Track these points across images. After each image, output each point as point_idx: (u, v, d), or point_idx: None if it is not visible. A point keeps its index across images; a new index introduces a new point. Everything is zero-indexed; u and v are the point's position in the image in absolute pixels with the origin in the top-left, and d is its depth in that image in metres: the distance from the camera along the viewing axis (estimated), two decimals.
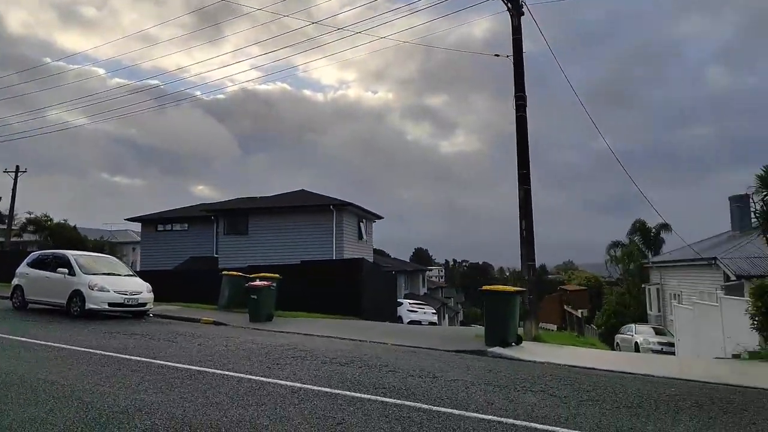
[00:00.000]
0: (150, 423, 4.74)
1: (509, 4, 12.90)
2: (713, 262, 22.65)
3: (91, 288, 13.45)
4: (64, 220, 42.94)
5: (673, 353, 20.99)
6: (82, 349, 8.63)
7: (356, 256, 28.05)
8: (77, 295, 13.55)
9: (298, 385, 6.46)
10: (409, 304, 27.63)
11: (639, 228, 41.02)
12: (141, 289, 14.33)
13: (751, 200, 19.94)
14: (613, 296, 38.87)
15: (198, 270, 26.66)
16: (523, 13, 12.95)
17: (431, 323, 26.36)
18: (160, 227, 34.03)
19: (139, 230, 37.47)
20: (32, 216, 40.05)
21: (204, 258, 31.50)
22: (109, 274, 14.40)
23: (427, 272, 64.14)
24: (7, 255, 31.99)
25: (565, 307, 24.52)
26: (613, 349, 25.43)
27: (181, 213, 34.71)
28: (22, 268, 15.62)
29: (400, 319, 24.70)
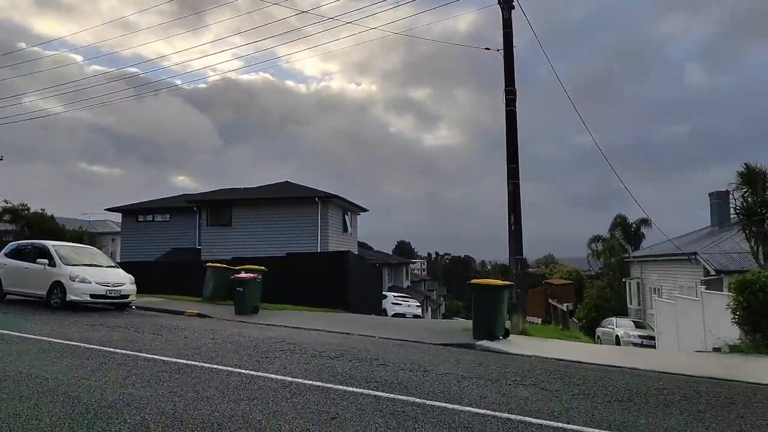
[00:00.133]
0: (140, 418, 4.63)
1: None
2: (693, 257, 23.05)
3: (73, 279, 13.17)
4: (41, 209, 41.99)
5: (653, 346, 21.34)
6: (65, 341, 8.43)
7: (341, 249, 27.96)
8: (58, 287, 13.27)
9: (289, 379, 6.38)
10: (394, 296, 27.69)
11: (620, 223, 41.59)
12: (124, 280, 14.08)
13: (731, 197, 20.32)
14: (594, 290, 39.39)
15: (181, 261, 26.35)
16: (513, 7, 12.92)
17: (415, 316, 26.44)
18: (141, 218, 33.54)
19: (119, 221, 36.88)
20: (9, 205, 39.03)
21: (186, 249, 31.14)
22: (90, 265, 14.12)
23: (410, 265, 64.30)
24: None
25: (550, 300, 24.77)
26: (594, 343, 25.76)
27: (162, 203, 34.25)
28: (0, 259, 15.23)
29: (384, 312, 24.73)
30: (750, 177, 19.34)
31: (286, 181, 33.21)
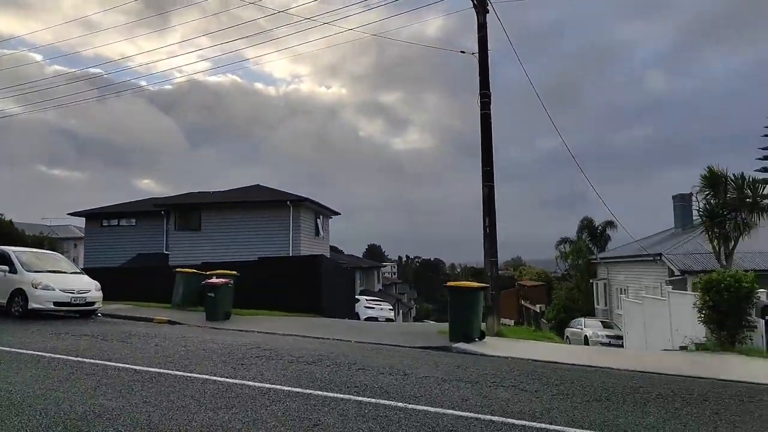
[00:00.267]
0: (113, 430, 4.45)
1: (475, 1, 12.94)
2: (659, 258, 23.65)
3: (35, 286, 12.67)
4: None
5: (620, 346, 21.79)
6: (29, 351, 8.07)
7: (313, 253, 27.72)
8: (19, 294, 12.74)
9: (267, 385, 6.24)
10: (366, 300, 27.58)
11: (586, 225, 42.44)
12: (89, 287, 13.61)
13: (695, 199, 20.95)
14: (563, 291, 40.08)
15: (148, 267, 25.69)
16: (488, 11, 13.03)
17: (388, 319, 26.39)
18: (106, 222, 32.56)
19: (83, 225, 35.72)
20: None
21: (153, 255, 30.37)
22: (53, 271, 13.60)
23: (381, 268, 64.29)
24: None
25: (522, 302, 25.10)
26: (564, 343, 26.16)
27: (128, 207, 33.34)
28: None
29: (357, 316, 24.60)
30: (712, 180, 19.99)
31: (257, 185, 32.75)
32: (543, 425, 5.02)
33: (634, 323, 20.14)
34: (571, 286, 40.65)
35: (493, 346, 10.35)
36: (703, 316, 11.97)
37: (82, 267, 22.20)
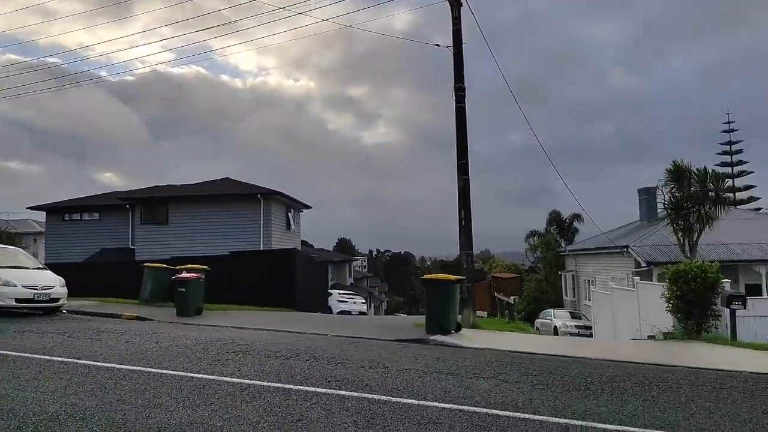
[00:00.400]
0: (87, 430, 4.27)
1: None
2: (625, 250, 24.23)
3: None
4: None
5: (589, 336, 22.27)
6: None
7: (284, 247, 27.43)
8: None
9: (246, 381, 6.10)
10: (339, 294, 27.49)
11: (555, 218, 43.24)
12: (53, 283, 13.12)
13: (660, 192, 21.51)
14: (532, 283, 40.75)
15: (113, 262, 24.98)
16: (461, 4, 13.02)
17: (361, 313, 26.36)
18: (68, 216, 31.54)
19: (42, 220, 34.54)
20: None
21: (118, 249, 29.58)
22: (15, 267, 13.05)
23: (353, 262, 64.19)
24: None
25: (496, 294, 25.46)
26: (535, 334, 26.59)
27: (91, 201, 32.37)
28: None
29: (330, 310, 24.47)
30: (677, 174, 20.57)
31: (226, 178, 32.19)
32: (527, 416, 5.04)
33: (603, 314, 20.59)
34: (540, 278, 41.37)
35: (469, 338, 10.40)
36: (671, 305, 12.29)
37: (43, 262, 21.45)
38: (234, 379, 6.19)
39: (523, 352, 9.25)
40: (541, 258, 42.49)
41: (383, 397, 5.52)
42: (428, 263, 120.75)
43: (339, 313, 24.39)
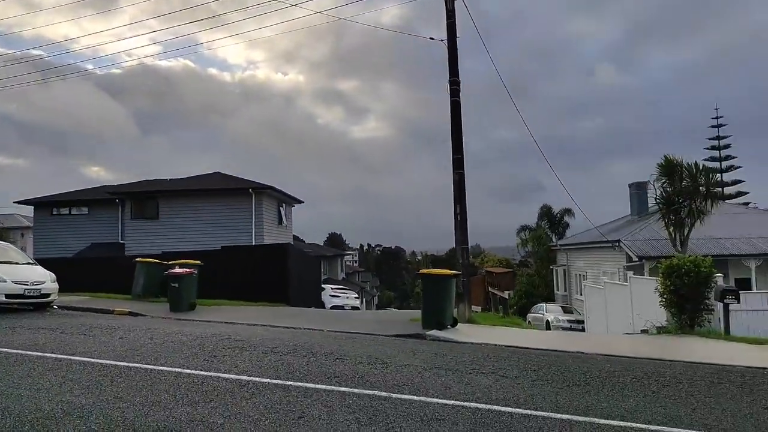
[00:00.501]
0: (85, 428, 4.19)
1: None
2: (617, 244, 24.35)
3: None
4: None
5: (581, 330, 22.39)
6: None
7: (276, 241, 27.29)
8: None
9: (245, 378, 6.03)
10: (332, 289, 27.41)
11: (546, 213, 43.39)
12: (43, 278, 12.93)
13: (652, 186, 21.61)
14: (524, 277, 40.90)
15: (103, 257, 24.72)
16: None
17: (354, 308, 26.31)
18: (56, 211, 31.14)
19: (30, 214, 34.06)
20: None
21: (108, 244, 29.29)
22: (4, 262, 12.85)
23: (344, 257, 64.09)
24: None
25: (490, 288, 25.53)
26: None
27: (80, 195, 31.98)
28: None
29: (322, 305, 24.40)
30: (669, 168, 20.67)
31: (217, 172, 31.95)
32: (529, 411, 5.03)
33: (596, 308, 20.69)
34: (531, 273, 41.54)
35: (466, 333, 10.39)
36: (664, 300, 12.36)
37: (32, 257, 21.15)
38: (232, 376, 6.12)
39: (519, 347, 9.25)
40: (532, 252, 42.65)
41: (384, 394, 5.48)
42: (419, 258, 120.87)
43: (332, 308, 24.32)
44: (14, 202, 32.69)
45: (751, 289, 20.24)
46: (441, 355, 8.05)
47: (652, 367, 7.64)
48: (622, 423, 4.75)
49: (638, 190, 29.67)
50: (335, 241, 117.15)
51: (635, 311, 15.37)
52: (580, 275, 30.66)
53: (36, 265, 13.94)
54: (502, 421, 4.71)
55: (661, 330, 12.74)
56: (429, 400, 5.32)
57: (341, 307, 24.78)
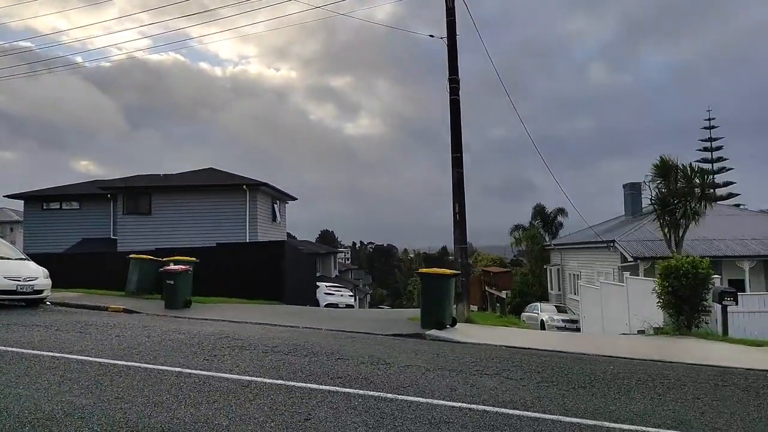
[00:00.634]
0: (87, 430, 4.10)
1: None
2: (612, 244, 24.40)
3: None
4: None
5: (575, 330, 22.44)
6: None
7: (270, 239, 27.12)
8: None
9: (247, 378, 5.94)
10: (326, 286, 27.25)
11: (539, 212, 43.52)
12: (36, 274, 12.72)
13: (648, 187, 21.67)
14: (518, 276, 40.98)
15: (95, 253, 24.40)
16: None
17: (348, 306, 26.19)
18: (46, 205, 30.78)
19: (19, 208, 33.63)
20: None
21: (99, 240, 28.99)
22: None
23: (337, 254, 63.92)
24: None
25: (487, 288, 25.48)
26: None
27: (71, 190, 31.63)
28: None
29: (317, 303, 24.27)
30: (664, 169, 20.75)
31: (211, 168, 31.67)
32: (537, 414, 4.97)
33: (591, 308, 20.73)
34: (525, 272, 41.63)
35: (466, 333, 10.33)
36: (662, 301, 12.37)
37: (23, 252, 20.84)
38: (234, 376, 6.02)
39: (520, 348, 9.20)
40: (526, 251, 42.75)
41: (389, 395, 5.41)
42: (411, 256, 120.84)
43: (326, 305, 24.18)
44: (4, 196, 32.27)
45: (744, 291, 20.37)
46: (443, 355, 7.98)
47: (655, 368, 7.62)
48: (632, 427, 4.71)
49: (632, 190, 29.76)
50: (327, 238, 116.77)
51: (632, 312, 15.40)
52: (574, 275, 30.74)
53: (29, 260, 13.73)
54: (512, 424, 4.65)
55: (658, 331, 12.76)
56: (435, 402, 5.26)
57: (336, 305, 24.65)
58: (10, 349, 7.09)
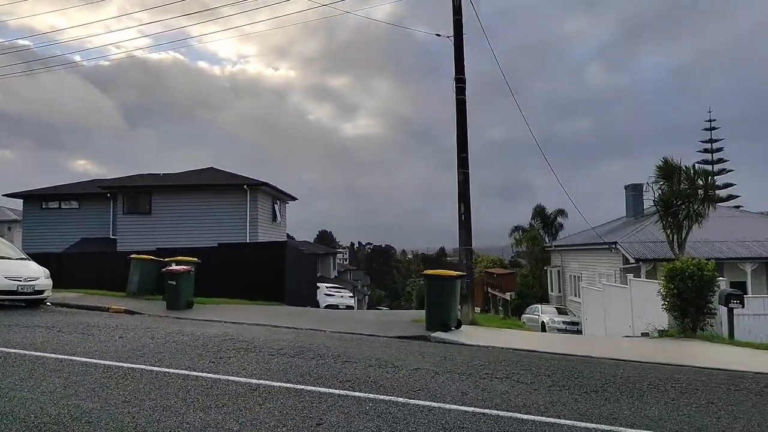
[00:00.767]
0: None
1: None
2: (614, 246, 24.34)
3: None
4: None
5: (576, 332, 22.38)
6: None
7: (270, 239, 27.03)
8: None
9: (254, 381, 5.85)
10: (326, 287, 27.17)
11: (539, 213, 43.45)
12: (37, 274, 12.62)
13: (651, 189, 21.58)
14: (518, 278, 40.92)
15: (95, 253, 24.30)
16: None
17: (348, 307, 26.12)
18: (45, 204, 30.64)
19: (18, 207, 33.48)
20: None
21: (99, 239, 28.86)
22: None
23: (336, 255, 63.79)
24: None
25: (489, 290, 25.39)
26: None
27: (70, 189, 31.53)
28: None
29: (317, 304, 24.18)
30: (667, 171, 20.63)
31: (211, 167, 31.59)
32: (552, 420, 4.89)
33: (594, 310, 20.66)
34: (525, 273, 41.55)
35: (471, 335, 10.25)
36: (667, 303, 12.30)
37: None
38: (241, 379, 5.93)
39: (527, 350, 9.12)
40: (526, 253, 42.66)
41: (401, 399, 5.33)
42: (409, 256, 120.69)
43: (326, 307, 24.11)
44: (3, 195, 32.13)
45: (746, 293, 20.33)
46: (450, 358, 7.90)
47: (664, 372, 7.55)
48: None
49: (634, 191, 29.72)
50: (325, 238, 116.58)
51: (635, 314, 15.33)
52: (575, 276, 30.67)
53: (29, 260, 13.62)
54: (526, 429, 4.57)
55: (663, 333, 12.69)
56: (448, 406, 5.17)
57: (336, 306, 24.57)
58: (12, 350, 6.99)
